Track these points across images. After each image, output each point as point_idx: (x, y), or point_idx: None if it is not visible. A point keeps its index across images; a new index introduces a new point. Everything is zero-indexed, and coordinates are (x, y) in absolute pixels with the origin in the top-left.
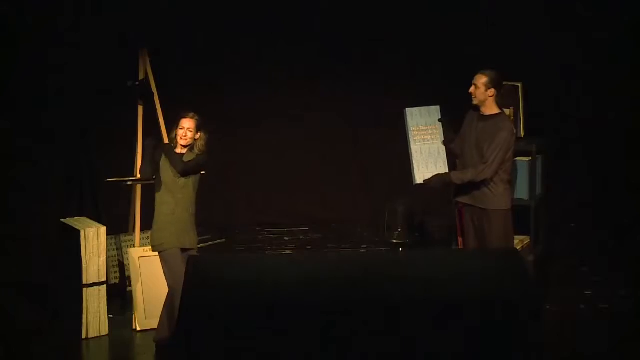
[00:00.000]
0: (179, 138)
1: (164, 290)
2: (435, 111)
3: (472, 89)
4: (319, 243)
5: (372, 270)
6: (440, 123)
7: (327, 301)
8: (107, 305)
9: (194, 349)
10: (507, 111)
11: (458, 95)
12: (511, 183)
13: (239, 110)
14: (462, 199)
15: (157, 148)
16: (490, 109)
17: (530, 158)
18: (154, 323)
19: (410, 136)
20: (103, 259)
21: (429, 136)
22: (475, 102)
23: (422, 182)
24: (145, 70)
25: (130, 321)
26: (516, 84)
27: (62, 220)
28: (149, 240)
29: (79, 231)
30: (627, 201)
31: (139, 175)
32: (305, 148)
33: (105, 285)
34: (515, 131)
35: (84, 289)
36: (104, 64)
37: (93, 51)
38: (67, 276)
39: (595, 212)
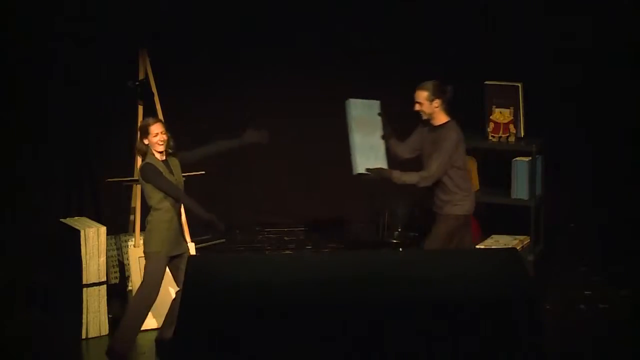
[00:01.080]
0: (156, 145)
1: (164, 290)
2: (375, 105)
3: (417, 107)
4: (319, 243)
5: (372, 270)
6: (380, 118)
7: (327, 301)
8: (107, 305)
9: (194, 349)
10: (506, 111)
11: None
12: (470, 191)
13: (239, 110)
14: (432, 206)
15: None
16: (439, 119)
17: (530, 158)
18: (154, 323)
19: (352, 126)
20: (103, 259)
21: (370, 129)
22: (425, 117)
23: (363, 171)
24: (145, 70)
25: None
26: (516, 84)
27: (62, 220)
28: None
29: (79, 231)
30: (628, 201)
31: (136, 176)
32: (305, 148)
33: (105, 285)
34: (461, 137)
35: (84, 289)
36: (103, 64)
37: (93, 51)
38: (67, 276)
39: (595, 211)
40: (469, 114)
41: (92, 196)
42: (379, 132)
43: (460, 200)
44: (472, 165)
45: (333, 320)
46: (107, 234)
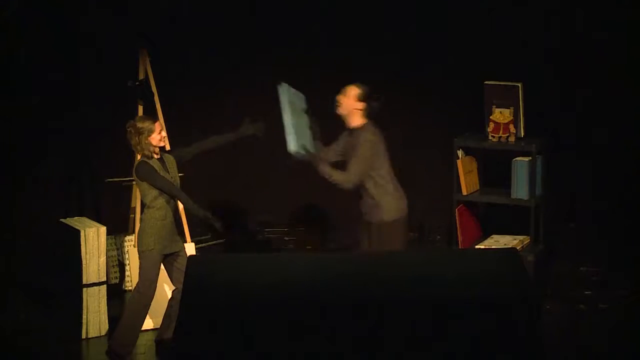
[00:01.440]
0: (159, 143)
1: (165, 290)
2: (302, 99)
3: (340, 97)
4: (319, 243)
5: (372, 270)
6: (306, 112)
7: (327, 301)
8: (107, 305)
9: (194, 349)
10: (507, 111)
11: (461, 94)
12: (397, 193)
13: (239, 110)
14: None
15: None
16: (356, 121)
17: (530, 158)
18: (154, 323)
19: (286, 108)
20: (103, 259)
21: (301, 116)
22: (340, 110)
23: (299, 150)
24: (145, 70)
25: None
26: (516, 84)
27: (62, 220)
28: None
29: (79, 231)
30: (628, 201)
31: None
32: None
33: (105, 285)
34: (377, 139)
35: (84, 289)
36: (103, 63)
37: (93, 51)
38: (67, 276)
39: (595, 211)
40: (469, 114)
41: (92, 196)
42: (307, 123)
43: (387, 204)
44: (472, 165)
45: (333, 320)
46: (107, 234)
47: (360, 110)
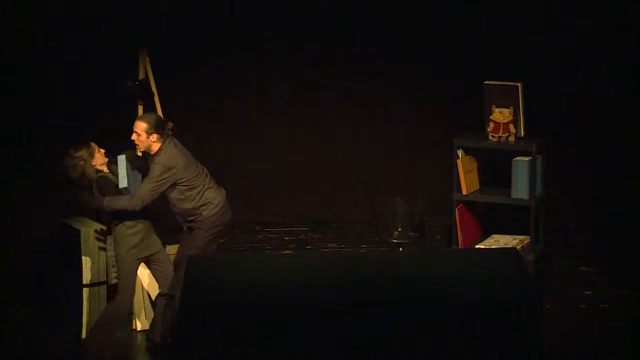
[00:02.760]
0: (103, 159)
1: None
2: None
3: (134, 137)
4: (319, 243)
5: (372, 270)
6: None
7: (327, 301)
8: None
9: (193, 349)
10: (506, 111)
11: (461, 94)
12: (212, 203)
13: (239, 110)
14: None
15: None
16: (154, 149)
17: (530, 158)
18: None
19: (124, 177)
20: (103, 259)
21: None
22: (141, 149)
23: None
24: (145, 70)
25: (130, 321)
26: (516, 84)
27: (62, 220)
28: None
29: (79, 231)
30: (628, 201)
31: None
32: (305, 148)
33: (105, 285)
34: (172, 159)
35: (84, 289)
36: (103, 63)
37: (92, 51)
38: (67, 276)
39: (595, 211)
40: (469, 114)
41: None
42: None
43: (206, 217)
44: (472, 165)
45: (333, 320)
46: (107, 234)
47: (156, 141)
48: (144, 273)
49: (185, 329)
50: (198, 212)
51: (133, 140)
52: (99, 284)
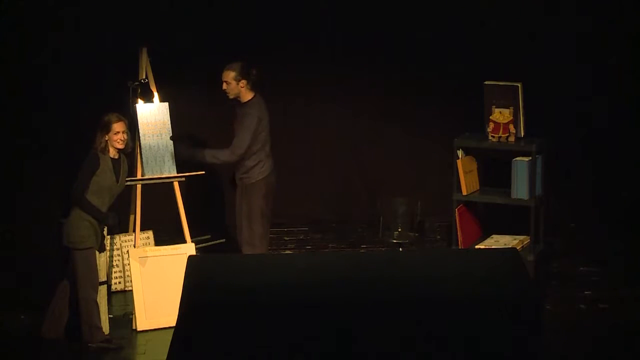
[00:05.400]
0: (115, 143)
1: (164, 290)
2: (164, 107)
3: (224, 87)
4: (319, 243)
5: (372, 270)
6: (169, 119)
7: (327, 301)
8: (107, 305)
9: (193, 349)
10: (506, 111)
11: (461, 94)
12: (269, 156)
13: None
14: (237, 175)
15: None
16: (245, 97)
17: (530, 158)
18: (154, 323)
19: (139, 132)
20: (103, 259)
21: (158, 131)
22: (231, 96)
23: (152, 176)
24: (145, 70)
25: (130, 321)
26: (516, 84)
27: (62, 220)
28: (149, 241)
29: None
30: (627, 201)
31: (139, 175)
32: (305, 147)
33: (105, 285)
34: (260, 114)
35: None
36: (103, 64)
37: (93, 51)
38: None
39: (595, 211)
40: (469, 114)
41: None
42: (168, 133)
43: (257, 165)
44: (472, 165)
45: (333, 320)
46: (107, 234)
47: (244, 87)
48: (143, 273)
49: (185, 329)
50: (253, 170)
51: (225, 90)
52: (99, 284)
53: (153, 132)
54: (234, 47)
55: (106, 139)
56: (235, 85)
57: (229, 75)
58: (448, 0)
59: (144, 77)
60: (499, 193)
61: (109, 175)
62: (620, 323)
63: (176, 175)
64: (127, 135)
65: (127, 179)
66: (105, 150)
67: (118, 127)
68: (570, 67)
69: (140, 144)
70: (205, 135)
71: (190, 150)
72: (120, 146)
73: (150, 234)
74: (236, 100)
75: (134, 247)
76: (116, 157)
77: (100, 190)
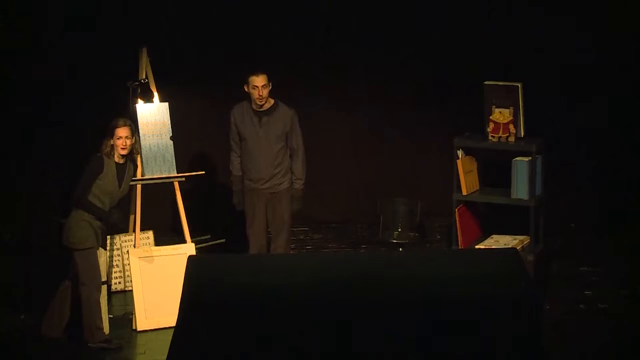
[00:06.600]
0: (119, 148)
1: (164, 290)
2: (164, 107)
3: (263, 92)
4: (319, 243)
5: (371, 270)
6: (169, 119)
7: (327, 301)
8: (107, 305)
9: (194, 349)
10: (506, 111)
11: (461, 94)
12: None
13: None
14: (259, 185)
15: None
16: (269, 102)
17: (530, 158)
18: (154, 323)
19: (139, 132)
20: (103, 259)
21: (158, 131)
22: (262, 102)
23: (152, 176)
24: (145, 70)
25: (130, 321)
26: (516, 84)
27: (62, 220)
28: (149, 241)
29: None
30: (627, 200)
31: (139, 175)
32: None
33: (105, 285)
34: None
35: None
36: (103, 64)
37: (93, 51)
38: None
39: (595, 211)
40: (469, 114)
41: None
42: (168, 134)
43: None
44: (472, 165)
45: (332, 320)
46: (107, 234)
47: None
48: (143, 273)
49: (185, 329)
50: (285, 176)
51: (261, 96)
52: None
53: (153, 132)
54: (234, 47)
55: (111, 143)
56: (268, 90)
57: (266, 79)
58: (448, 0)
59: (144, 77)
60: (499, 193)
61: (112, 179)
62: (620, 323)
63: (176, 175)
64: (132, 141)
65: None
66: (110, 154)
67: (121, 132)
68: (570, 67)
69: (140, 144)
70: (205, 135)
71: (297, 199)
72: (123, 152)
73: (150, 234)
74: (257, 105)
75: (134, 247)
76: (121, 162)
77: (101, 193)
